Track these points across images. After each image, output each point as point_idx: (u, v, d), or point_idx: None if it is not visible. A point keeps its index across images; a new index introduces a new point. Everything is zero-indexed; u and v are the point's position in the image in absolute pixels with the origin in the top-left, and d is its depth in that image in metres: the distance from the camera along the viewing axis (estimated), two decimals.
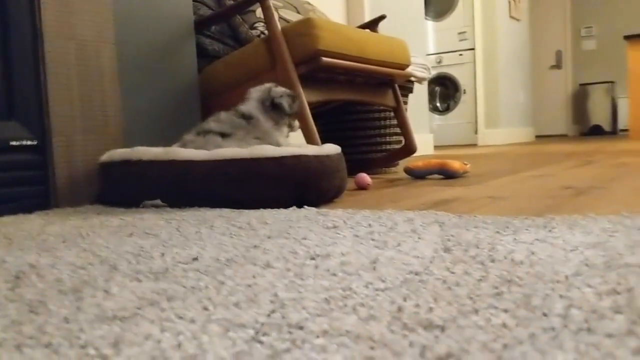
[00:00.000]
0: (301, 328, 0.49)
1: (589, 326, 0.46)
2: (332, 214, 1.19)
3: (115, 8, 1.79)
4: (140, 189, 1.53)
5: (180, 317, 0.55)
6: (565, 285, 0.59)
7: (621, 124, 8.31)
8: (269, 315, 0.53)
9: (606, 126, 8.44)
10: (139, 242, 0.98)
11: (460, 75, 6.51)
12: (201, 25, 2.18)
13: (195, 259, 0.81)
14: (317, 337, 0.47)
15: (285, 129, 1.77)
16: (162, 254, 0.86)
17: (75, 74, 1.66)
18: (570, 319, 0.48)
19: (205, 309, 0.58)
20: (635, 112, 5.94)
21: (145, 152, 1.55)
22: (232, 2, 2.27)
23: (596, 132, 8.42)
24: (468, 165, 2.19)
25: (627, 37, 6.00)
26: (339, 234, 0.95)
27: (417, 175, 2.20)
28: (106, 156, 1.64)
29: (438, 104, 6.77)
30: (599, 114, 8.48)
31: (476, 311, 0.52)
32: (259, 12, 2.24)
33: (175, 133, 1.96)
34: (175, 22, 2.01)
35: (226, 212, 1.33)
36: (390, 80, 2.42)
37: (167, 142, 1.91)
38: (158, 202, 1.49)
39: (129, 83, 1.87)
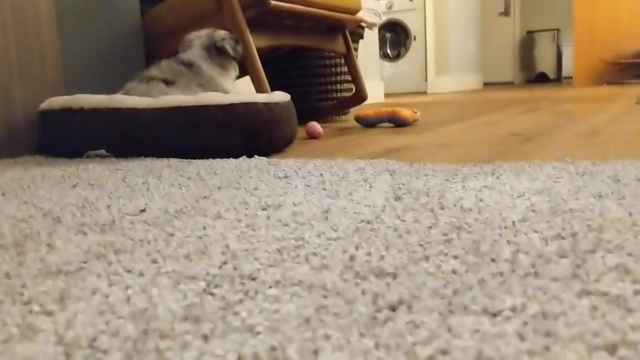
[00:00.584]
0: (254, 279, 0.49)
1: (535, 271, 0.47)
2: (283, 164, 1.18)
3: None
4: (83, 139, 1.47)
5: (129, 271, 0.54)
6: (513, 231, 0.60)
7: (565, 72, 8.50)
8: (220, 267, 0.53)
9: (551, 73, 8.62)
10: (83, 193, 0.95)
11: (410, 21, 6.47)
12: None
13: (143, 210, 0.79)
14: (270, 287, 0.47)
15: (233, 74, 1.73)
16: (108, 206, 0.83)
17: (10, 18, 1.56)
18: (517, 264, 0.49)
19: (155, 261, 0.56)
20: (579, 60, 6.08)
21: (88, 99, 1.49)
22: None
23: (542, 79, 8.60)
24: (418, 114, 2.20)
25: None
26: (290, 183, 0.95)
27: (368, 123, 2.19)
28: (46, 104, 1.56)
29: (389, 51, 6.74)
30: (544, 62, 8.65)
31: (427, 258, 0.53)
32: None
33: (119, 80, 1.89)
34: None
35: (174, 162, 1.30)
36: (340, 26, 2.38)
37: (111, 90, 1.83)
38: (102, 152, 1.45)
39: (68, 28, 1.77)
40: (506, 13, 8.86)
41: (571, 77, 6.58)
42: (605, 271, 0.46)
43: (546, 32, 8.60)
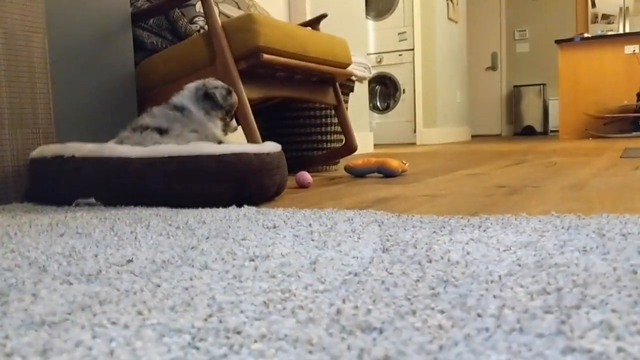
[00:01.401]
0: (239, 332, 0.48)
1: (521, 326, 0.48)
2: (272, 213, 1.19)
3: None
4: (73, 187, 1.48)
5: (113, 322, 0.53)
6: (499, 285, 0.60)
7: (552, 125, 8.66)
8: (206, 320, 0.52)
9: (538, 127, 8.78)
10: (70, 242, 0.94)
11: (400, 74, 6.61)
12: (138, 18, 2.12)
13: (130, 260, 0.79)
14: (255, 341, 0.46)
15: (218, 122, 1.74)
16: (95, 255, 0.83)
17: (3, 64, 1.58)
18: (503, 319, 0.50)
19: (140, 313, 0.56)
20: (564, 114, 6.20)
21: (79, 148, 1.50)
22: None
23: (529, 132, 8.74)
24: (407, 164, 2.22)
25: (558, 42, 6.25)
26: (278, 233, 0.95)
27: (357, 173, 2.21)
28: (37, 152, 1.57)
29: (378, 103, 6.86)
30: (531, 115, 8.81)
31: (413, 312, 0.53)
32: (198, 6, 2.20)
33: (111, 128, 1.90)
34: (111, 14, 1.94)
35: (163, 210, 1.30)
36: (331, 79, 2.43)
37: (103, 138, 1.85)
38: (92, 200, 1.44)
39: (62, 75, 1.80)
40: (493, 68, 9.08)
41: (557, 130, 6.69)
42: (589, 327, 0.46)
43: (532, 86, 8.81)
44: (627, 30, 7.07)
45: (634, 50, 5.93)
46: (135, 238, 0.96)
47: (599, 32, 6.53)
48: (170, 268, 0.74)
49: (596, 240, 0.80)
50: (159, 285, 0.65)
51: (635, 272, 0.62)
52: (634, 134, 5.72)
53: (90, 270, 0.74)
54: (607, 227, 0.88)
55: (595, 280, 0.60)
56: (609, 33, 6.43)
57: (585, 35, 6.35)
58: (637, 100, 5.77)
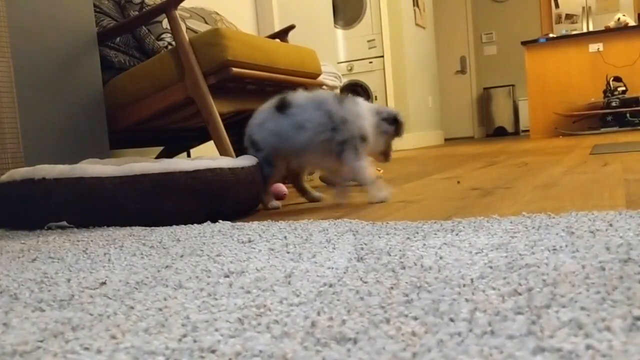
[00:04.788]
0: (213, 351, 0.48)
1: (492, 329, 0.48)
2: (247, 227, 1.18)
3: (10, 20, 1.70)
4: (44, 210, 1.45)
5: (86, 348, 0.53)
6: (471, 288, 0.61)
7: (523, 125, 8.79)
8: (180, 340, 0.52)
9: (509, 127, 8.90)
10: (42, 267, 0.93)
11: (371, 82, 6.65)
12: (105, 37, 2.11)
13: (103, 283, 0.78)
14: (230, 359, 0.46)
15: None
16: (68, 280, 0.82)
17: None
18: (475, 322, 0.50)
19: (113, 337, 0.55)
20: (534, 114, 6.30)
21: (50, 169, 1.48)
22: (136, 13, 2.21)
23: (500, 133, 8.86)
24: (381, 171, 2.23)
25: (524, 43, 6.36)
26: (254, 248, 0.95)
27: (332, 182, 2.22)
28: (6, 176, 1.54)
29: None
30: (502, 116, 8.94)
31: (387, 321, 0.53)
32: (165, 22, 2.19)
33: (81, 149, 1.88)
34: (76, 34, 1.93)
35: (137, 230, 1.28)
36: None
37: (73, 159, 1.83)
38: (64, 223, 1.43)
39: (29, 98, 1.77)
40: (462, 71, 9.20)
41: (528, 130, 6.80)
42: (559, 326, 0.47)
43: (502, 88, 8.94)
44: (591, 29, 7.23)
45: (598, 49, 6.06)
46: (109, 260, 0.95)
47: (563, 32, 6.66)
48: (144, 289, 0.73)
49: (566, 238, 0.81)
50: (132, 307, 0.65)
51: (603, 269, 0.63)
52: (602, 130, 5.84)
53: (63, 295, 0.73)
54: (576, 225, 0.90)
55: (564, 279, 0.61)
56: (573, 32, 6.57)
57: (550, 35, 6.48)
58: (604, 98, 5.90)
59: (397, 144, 5.79)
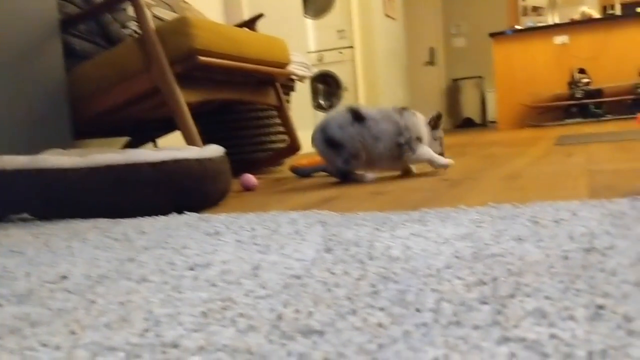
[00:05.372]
0: (176, 346, 0.47)
1: (458, 319, 0.48)
2: (214, 219, 1.17)
3: None
4: (4, 202, 1.41)
5: (44, 345, 0.51)
6: (437, 278, 0.61)
7: (490, 116, 8.90)
8: (142, 335, 0.51)
9: (477, 118, 9.00)
10: (1, 261, 0.90)
11: (341, 72, 6.64)
12: (68, 24, 2.05)
13: (65, 277, 0.76)
14: (193, 354, 0.45)
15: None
16: (27, 274, 0.80)
17: None
18: (441, 313, 0.50)
19: (73, 333, 0.54)
20: (501, 105, 6.38)
21: (10, 161, 1.44)
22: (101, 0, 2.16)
23: (468, 124, 8.96)
24: None
25: (492, 35, 6.43)
26: (220, 240, 0.93)
27: (303, 173, 2.21)
28: None
29: (321, 102, 6.87)
30: (470, 107, 9.03)
31: (354, 312, 0.53)
32: (130, 10, 2.15)
33: (43, 139, 1.84)
34: (38, 22, 1.87)
35: (101, 222, 1.26)
36: (271, 79, 2.42)
37: (35, 149, 1.78)
38: (25, 215, 1.39)
39: None
40: (431, 62, 9.25)
41: (495, 122, 6.88)
42: (523, 316, 0.47)
43: (470, 79, 9.03)
44: (557, 22, 7.33)
45: (564, 41, 6.16)
46: (71, 253, 0.93)
47: (529, 24, 6.74)
48: (106, 283, 0.71)
49: (530, 228, 0.82)
50: (94, 302, 0.63)
51: (566, 258, 0.64)
52: (567, 121, 5.94)
53: (22, 290, 0.71)
54: (540, 214, 0.91)
55: (529, 269, 0.61)
56: (539, 25, 6.66)
57: (517, 27, 6.56)
58: (569, 89, 6.00)
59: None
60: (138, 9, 1.87)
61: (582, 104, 5.93)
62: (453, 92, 9.17)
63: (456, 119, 9.15)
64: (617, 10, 6.76)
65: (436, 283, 0.59)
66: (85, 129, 2.22)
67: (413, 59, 9.14)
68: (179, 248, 0.89)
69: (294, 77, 2.88)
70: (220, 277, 0.69)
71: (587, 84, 5.94)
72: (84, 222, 1.28)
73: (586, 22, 6.13)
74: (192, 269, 0.75)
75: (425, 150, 1.86)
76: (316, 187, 1.78)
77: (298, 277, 0.67)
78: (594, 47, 6.05)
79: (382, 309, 0.53)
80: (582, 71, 6.00)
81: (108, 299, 0.63)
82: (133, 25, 2.15)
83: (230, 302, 0.59)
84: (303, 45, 4.89)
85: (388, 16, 7.01)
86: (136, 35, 2.08)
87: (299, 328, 0.50)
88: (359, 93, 6.55)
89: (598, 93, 5.90)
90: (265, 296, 0.60)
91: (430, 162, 1.88)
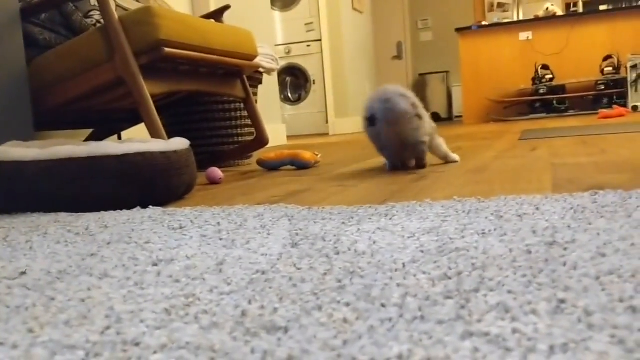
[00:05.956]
0: (137, 344, 0.46)
1: (422, 314, 0.48)
2: (179, 213, 1.15)
3: None
4: None
5: (1, 343, 0.49)
6: (403, 273, 0.61)
7: (456, 111, 9.00)
8: (102, 333, 0.49)
9: (443, 113, 9.10)
10: None
11: (309, 65, 6.63)
12: (29, 13, 1.99)
13: (23, 272, 0.74)
14: (155, 352, 0.44)
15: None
16: None
17: None
18: (406, 307, 0.50)
19: (31, 331, 0.52)
20: (467, 100, 6.46)
21: None
22: None
23: (435, 118, 9.02)
24: (319, 156, 2.23)
25: (458, 30, 6.49)
26: (185, 234, 0.92)
27: (270, 166, 2.20)
28: None
29: (289, 94, 6.85)
30: (436, 102, 9.12)
31: (319, 308, 0.52)
32: None
33: (3, 130, 1.78)
34: None
35: (63, 216, 1.23)
36: (237, 71, 2.39)
37: None
38: None
39: None
40: (399, 57, 9.30)
41: (461, 116, 6.96)
42: (487, 310, 0.48)
43: (436, 74, 9.11)
44: (521, 18, 7.45)
45: (528, 37, 6.26)
46: (31, 248, 0.90)
47: (495, 20, 6.83)
48: (67, 279, 0.69)
49: (494, 222, 0.83)
50: (53, 299, 0.61)
51: (529, 252, 0.65)
52: (531, 116, 6.05)
53: None
54: (504, 209, 0.92)
55: (493, 263, 0.62)
56: (505, 21, 6.75)
57: (483, 23, 6.64)
58: (533, 85, 6.10)
59: (335, 128, 5.79)
60: None
61: (545, 100, 6.05)
62: (420, 86, 9.24)
63: None
64: (580, 8, 6.91)
65: (402, 278, 0.59)
66: (47, 121, 2.16)
67: (381, 53, 9.18)
68: (142, 243, 0.87)
69: (261, 69, 2.86)
70: (184, 273, 0.68)
71: (551, 79, 6.05)
72: (45, 216, 1.25)
73: (550, 19, 6.24)
74: (155, 264, 0.73)
75: (441, 141, 1.87)
76: (283, 181, 1.78)
77: (263, 272, 0.66)
78: (557, 44, 6.17)
79: (347, 305, 0.53)
80: (545, 67, 6.11)
81: (68, 296, 0.62)
82: (96, 15, 2.10)
83: (194, 299, 0.58)
84: (271, 37, 4.86)
85: (356, 10, 7.02)
86: (99, 25, 2.03)
87: (264, 325, 0.49)
88: (326, 86, 6.55)
89: (561, 89, 6.02)
90: (229, 292, 0.59)
91: (445, 156, 1.90)
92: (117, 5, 2.16)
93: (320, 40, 6.53)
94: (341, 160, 2.47)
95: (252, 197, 1.45)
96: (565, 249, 0.65)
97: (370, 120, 1.75)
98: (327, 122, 6.60)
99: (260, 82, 2.91)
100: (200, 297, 0.58)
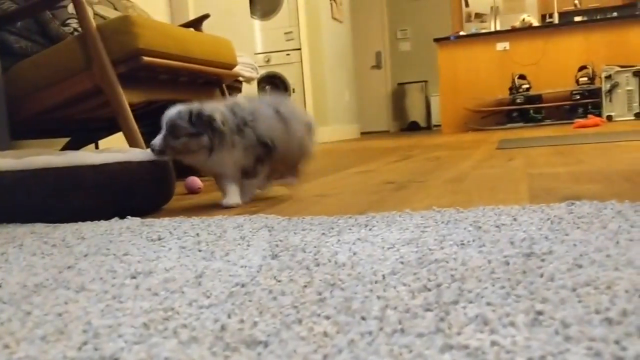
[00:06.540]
0: None
1: (402, 327, 0.48)
2: (157, 224, 1.14)
3: None
4: None
5: None
6: (383, 285, 0.61)
7: (435, 120, 9.07)
8: (79, 349, 0.49)
9: (422, 122, 9.17)
10: None
11: (288, 74, 6.64)
12: (5, 21, 1.97)
13: None
14: None
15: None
16: None
17: None
18: (386, 320, 0.50)
19: (7, 346, 0.51)
20: (445, 109, 6.52)
21: None
22: None
23: (414, 127, 9.11)
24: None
25: (437, 40, 6.56)
26: (164, 246, 0.91)
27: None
28: None
29: None
30: (415, 111, 9.19)
31: (300, 321, 0.52)
32: (71, 7, 2.08)
33: None
34: None
35: (39, 227, 1.21)
36: (217, 80, 2.39)
37: None
38: None
39: None
40: (378, 66, 9.36)
41: (440, 125, 7.02)
42: (466, 322, 0.48)
43: (415, 83, 9.19)
44: (498, 28, 7.55)
45: (505, 47, 6.34)
46: (6, 260, 0.89)
47: (473, 31, 6.92)
48: (43, 292, 0.68)
49: (473, 233, 0.84)
50: (29, 313, 0.60)
51: (507, 264, 0.66)
52: (508, 125, 6.12)
53: None
54: (483, 219, 0.93)
55: (471, 274, 0.62)
56: (482, 31, 6.84)
57: (461, 33, 6.71)
58: (510, 95, 6.18)
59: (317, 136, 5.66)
60: (78, 6, 1.81)
61: (522, 109, 6.13)
62: (399, 95, 9.31)
63: (402, 122, 9.29)
64: (556, 19, 7.02)
65: (382, 290, 0.59)
66: (23, 130, 2.13)
67: (360, 63, 9.23)
68: (120, 255, 0.86)
69: (240, 78, 2.86)
70: (163, 286, 0.67)
71: (527, 89, 6.14)
72: (21, 227, 1.23)
73: (526, 30, 6.33)
74: (133, 277, 0.73)
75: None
76: (262, 191, 1.77)
77: (243, 285, 0.66)
78: (533, 54, 6.26)
79: (327, 318, 0.53)
80: (522, 77, 6.19)
81: (44, 310, 0.61)
82: (74, 23, 2.09)
83: (173, 312, 0.57)
84: (250, 46, 4.86)
85: (335, 19, 7.05)
86: (77, 34, 2.01)
87: (243, 339, 0.49)
88: (306, 95, 6.56)
89: (538, 99, 6.11)
90: (209, 305, 0.59)
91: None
92: (95, 14, 2.14)
93: (299, 49, 6.55)
94: (320, 169, 2.47)
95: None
96: (542, 260, 0.66)
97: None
98: None
99: (240, 91, 2.91)
100: (179, 311, 0.57)
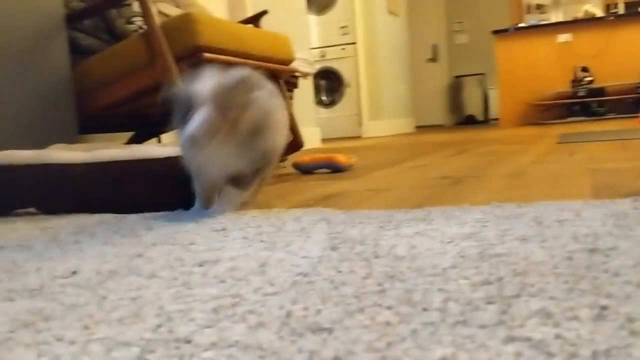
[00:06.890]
0: (189, 342, 0.48)
1: (464, 318, 0.49)
2: (220, 215, 1.18)
3: None
4: (10, 197, 1.43)
5: (59, 339, 0.52)
6: (443, 278, 0.62)
7: (492, 114, 8.90)
8: (154, 330, 0.52)
9: (479, 115, 9.00)
10: (11, 255, 0.91)
11: (343, 68, 6.65)
12: (73, 20, 2.06)
13: (75, 272, 0.77)
14: (206, 350, 0.46)
15: None
16: (38, 269, 0.81)
17: None
18: (447, 312, 0.51)
19: (86, 327, 0.55)
20: (503, 102, 6.38)
21: (16, 155, 1.45)
22: None
23: (470, 121, 8.96)
24: (353, 159, 2.24)
25: (495, 32, 6.42)
26: (227, 236, 0.94)
27: (305, 170, 2.22)
28: None
29: (324, 98, 6.88)
30: (472, 104, 9.04)
31: (362, 310, 0.54)
32: (136, 5, 2.15)
33: (49, 134, 1.85)
34: (43, 17, 1.88)
35: (108, 218, 1.27)
36: (274, 76, 2.42)
37: (40, 144, 1.79)
38: (32, 210, 1.40)
39: None
40: (434, 59, 9.25)
41: (497, 119, 6.88)
42: (529, 316, 0.48)
43: (472, 76, 9.03)
44: (560, 20, 7.33)
45: (566, 39, 6.15)
46: (80, 248, 0.94)
47: (533, 22, 6.74)
48: (116, 278, 0.72)
49: (534, 228, 0.83)
50: (105, 297, 0.64)
51: (570, 259, 0.65)
52: (569, 119, 5.95)
53: (33, 284, 0.72)
54: (544, 214, 0.92)
55: (534, 269, 0.62)
56: (542, 23, 6.65)
57: (520, 25, 6.55)
58: (571, 88, 6.00)
59: (369, 131, 5.77)
60: (143, 4, 1.88)
61: (584, 103, 5.94)
62: (455, 89, 9.17)
63: (458, 116, 9.15)
64: (621, 9, 6.76)
65: (442, 282, 0.60)
66: (89, 124, 2.23)
67: (416, 56, 9.13)
68: (186, 244, 0.90)
69: (297, 73, 2.89)
70: (229, 274, 0.70)
71: (590, 82, 5.94)
72: (91, 217, 1.29)
73: (589, 21, 6.12)
74: (200, 265, 0.76)
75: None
76: (319, 184, 1.79)
77: (305, 274, 0.68)
78: (596, 46, 6.05)
79: (389, 308, 0.54)
80: (584, 69, 6.00)
81: (119, 295, 0.64)
82: (138, 21, 2.16)
83: (240, 299, 0.60)
84: (306, 41, 4.89)
85: (391, 13, 7.00)
86: (141, 31, 2.08)
87: (309, 325, 0.51)
88: (361, 89, 6.56)
89: (600, 92, 5.90)
90: (273, 293, 0.61)
91: None
92: (159, 11, 2.21)
93: (355, 43, 6.54)
94: (375, 163, 2.48)
95: (289, 199, 1.47)
96: (607, 255, 0.65)
97: None
98: (360, 124, 6.61)
99: (296, 86, 2.94)
100: (246, 298, 0.60)
